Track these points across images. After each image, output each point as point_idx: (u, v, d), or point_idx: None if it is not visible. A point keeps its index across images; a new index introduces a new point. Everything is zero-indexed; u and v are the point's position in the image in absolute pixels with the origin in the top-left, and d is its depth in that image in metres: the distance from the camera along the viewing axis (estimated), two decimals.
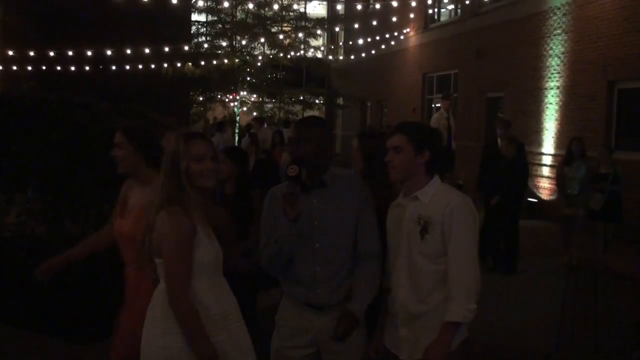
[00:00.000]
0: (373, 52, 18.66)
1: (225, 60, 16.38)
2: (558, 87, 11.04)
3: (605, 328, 5.40)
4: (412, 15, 16.19)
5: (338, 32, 23.75)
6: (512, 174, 7.12)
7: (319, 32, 19.50)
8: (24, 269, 3.75)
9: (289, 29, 18.47)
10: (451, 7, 16.14)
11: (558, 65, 11.04)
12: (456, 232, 2.40)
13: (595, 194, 7.25)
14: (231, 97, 18.06)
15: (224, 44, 17.49)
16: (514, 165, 7.15)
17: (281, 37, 17.74)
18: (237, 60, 16.63)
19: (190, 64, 15.74)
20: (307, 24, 18.36)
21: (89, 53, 13.80)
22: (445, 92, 11.49)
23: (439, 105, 13.28)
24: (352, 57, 20.88)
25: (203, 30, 19.10)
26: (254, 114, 18.30)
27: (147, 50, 14.02)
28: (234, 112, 17.76)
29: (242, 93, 17.78)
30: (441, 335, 2.39)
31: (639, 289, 6.63)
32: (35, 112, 5.00)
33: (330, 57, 22.24)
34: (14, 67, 14.12)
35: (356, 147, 3.35)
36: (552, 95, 11.18)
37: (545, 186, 11.32)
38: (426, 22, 16.85)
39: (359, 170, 3.27)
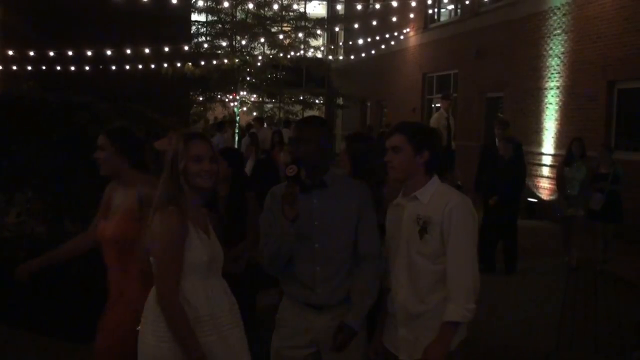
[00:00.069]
0: (373, 52, 18.67)
1: (225, 60, 16.38)
2: (558, 87, 11.03)
3: (605, 328, 5.40)
4: (412, 15, 16.19)
5: (338, 32, 23.76)
6: (509, 174, 7.11)
7: (318, 32, 19.49)
8: None
9: (289, 29, 18.48)
10: (451, 7, 16.13)
11: (558, 65, 11.04)
12: (455, 232, 2.40)
13: (595, 194, 7.24)
14: (231, 97, 18.05)
15: (224, 44, 17.49)
16: (512, 165, 7.14)
17: (281, 37, 17.75)
18: (237, 60, 16.63)
19: (190, 64, 15.76)
20: (307, 24, 18.35)
21: (89, 53, 13.81)
22: (445, 92, 11.48)
23: (438, 105, 13.28)
24: (352, 57, 20.89)
25: (203, 30, 19.10)
26: (254, 114, 18.31)
27: (147, 50, 14.03)
28: (234, 112, 17.75)
29: (242, 93, 17.78)
30: (440, 335, 2.39)
31: (639, 289, 6.63)
32: (35, 112, 5.01)
33: (330, 57, 22.26)
34: (14, 67, 14.13)
35: (344, 150, 3.42)
36: (552, 95, 11.18)
37: (545, 186, 11.32)
38: (426, 22, 16.84)
39: (347, 173, 3.31)
